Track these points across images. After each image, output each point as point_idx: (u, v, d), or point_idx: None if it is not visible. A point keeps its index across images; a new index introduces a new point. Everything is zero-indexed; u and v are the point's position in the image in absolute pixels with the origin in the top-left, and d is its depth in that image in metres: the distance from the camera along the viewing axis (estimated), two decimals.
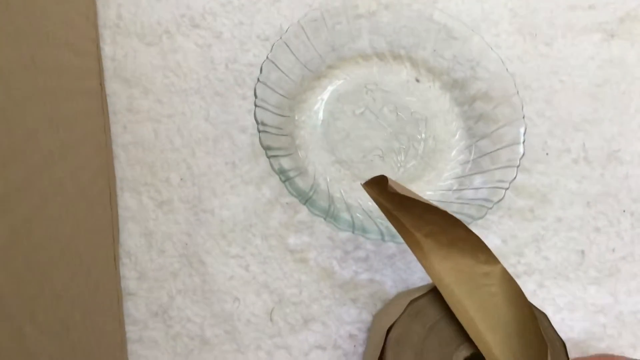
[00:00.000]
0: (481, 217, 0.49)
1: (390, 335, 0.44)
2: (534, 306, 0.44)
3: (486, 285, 0.40)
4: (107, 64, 0.54)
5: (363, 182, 0.42)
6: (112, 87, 0.53)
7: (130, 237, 0.49)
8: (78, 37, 0.42)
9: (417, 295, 0.44)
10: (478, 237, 0.39)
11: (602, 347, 0.48)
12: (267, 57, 0.52)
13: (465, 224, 0.40)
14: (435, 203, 0.41)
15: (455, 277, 0.40)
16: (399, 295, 0.48)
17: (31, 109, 0.27)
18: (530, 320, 0.38)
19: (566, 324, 0.50)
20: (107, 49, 0.54)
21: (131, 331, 0.46)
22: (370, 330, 0.48)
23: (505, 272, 0.39)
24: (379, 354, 0.41)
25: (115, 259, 0.45)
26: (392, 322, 0.43)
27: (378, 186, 0.40)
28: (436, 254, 0.41)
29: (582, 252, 0.53)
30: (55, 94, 0.32)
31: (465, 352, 0.42)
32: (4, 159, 0.23)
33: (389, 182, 0.39)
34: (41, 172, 0.28)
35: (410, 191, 0.40)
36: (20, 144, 0.26)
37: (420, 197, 0.40)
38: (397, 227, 0.41)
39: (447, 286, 0.40)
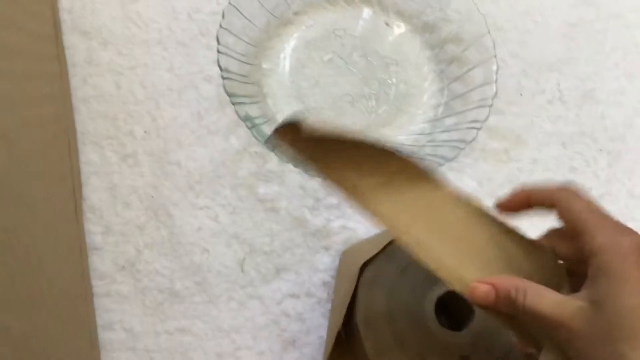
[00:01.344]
0: (454, 158, 0.48)
1: (364, 274, 0.43)
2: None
3: (444, 212, 0.36)
4: (64, 17, 0.52)
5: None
6: (70, 39, 0.51)
7: (94, 192, 0.48)
8: None
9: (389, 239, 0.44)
10: (418, 163, 0.34)
11: None
12: (229, 2, 0.50)
13: (403, 154, 0.34)
14: (361, 135, 0.32)
15: (408, 215, 0.34)
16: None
17: None
18: (508, 232, 0.34)
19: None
20: (63, 1, 0.52)
21: (98, 285, 0.45)
22: (341, 265, 0.48)
23: (460, 193, 0.34)
24: (353, 289, 0.41)
25: (76, 213, 0.44)
26: (365, 260, 0.42)
27: (292, 133, 0.31)
28: (377, 196, 0.34)
29: None
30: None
31: (437, 291, 0.41)
32: None
33: (304, 127, 0.30)
34: None
35: (331, 129, 0.31)
36: None
37: (345, 132, 0.31)
38: (325, 174, 0.33)
39: (401, 228, 0.34)
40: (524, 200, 0.33)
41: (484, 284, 0.31)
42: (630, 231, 0.28)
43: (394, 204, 0.34)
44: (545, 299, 0.28)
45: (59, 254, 0.37)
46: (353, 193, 0.33)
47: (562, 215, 0.30)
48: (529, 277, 0.30)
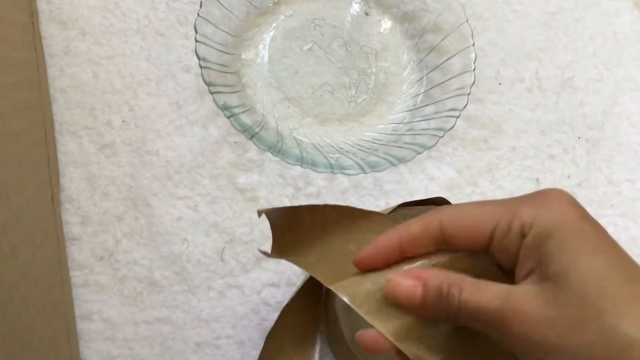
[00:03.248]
0: (432, 146, 0.48)
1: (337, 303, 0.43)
2: None
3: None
4: (42, 6, 0.51)
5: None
6: (48, 30, 0.51)
7: (72, 182, 0.47)
8: None
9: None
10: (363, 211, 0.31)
11: None
12: None
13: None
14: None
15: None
16: None
17: None
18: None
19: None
20: None
21: (76, 276, 0.45)
22: None
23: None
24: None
25: (53, 202, 0.44)
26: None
27: (276, 246, 0.32)
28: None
29: (537, 180, 0.52)
30: None
31: None
32: None
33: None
34: None
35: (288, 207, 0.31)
36: None
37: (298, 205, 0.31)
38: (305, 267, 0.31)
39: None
40: (393, 246, 0.26)
41: (407, 278, 0.25)
42: (546, 190, 0.25)
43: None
44: (487, 290, 0.23)
45: (35, 244, 0.37)
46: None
47: (458, 235, 0.25)
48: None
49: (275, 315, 0.45)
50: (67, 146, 0.48)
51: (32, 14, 0.49)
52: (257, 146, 0.47)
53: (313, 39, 0.55)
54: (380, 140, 0.51)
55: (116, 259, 0.46)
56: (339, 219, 0.31)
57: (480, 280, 0.24)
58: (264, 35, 0.54)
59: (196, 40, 0.48)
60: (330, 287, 0.27)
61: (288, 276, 0.48)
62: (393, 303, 0.25)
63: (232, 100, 0.49)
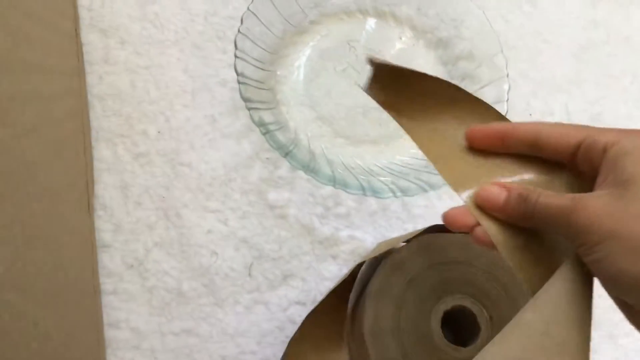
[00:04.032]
0: None
1: (371, 285, 0.43)
2: None
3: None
4: (83, 14, 0.52)
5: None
6: (88, 37, 0.52)
7: (106, 189, 0.48)
8: None
9: (397, 245, 0.44)
10: (486, 104, 0.34)
11: None
12: (248, 9, 0.51)
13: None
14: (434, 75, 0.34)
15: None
16: (380, 246, 0.48)
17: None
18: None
19: None
20: None
21: (106, 283, 0.45)
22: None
23: None
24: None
25: (89, 209, 0.44)
26: (370, 275, 0.43)
27: (377, 85, 0.35)
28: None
29: None
30: (29, 32, 0.31)
31: (444, 306, 0.41)
32: None
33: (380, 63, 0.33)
34: (12, 110, 0.26)
35: (402, 67, 0.34)
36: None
37: (414, 69, 0.34)
38: (402, 121, 0.35)
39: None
40: (499, 135, 0.31)
41: (494, 185, 0.30)
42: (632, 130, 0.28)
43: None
44: (561, 196, 0.27)
45: (73, 250, 0.37)
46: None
47: (552, 139, 0.29)
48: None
49: None
50: (102, 153, 0.49)
51: (75, 20, 0.49)
52: (290, 164, 0.47)
53: (347, 60, 0.55)
54: (411, 165, 0.52)
55: (146, 268, 0.46)
56: (451, 100, 0.34)
57: (558, 195, 0.27)
58: (299, 54, 0.55)
59: (236, 56, 0.49)
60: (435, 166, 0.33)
61: (314, 295, 0.48)
62: (482, 206, 0.30)
63: (267, 116, 0.50)
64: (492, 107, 0.34)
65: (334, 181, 0.47)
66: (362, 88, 0.35)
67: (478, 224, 0.30)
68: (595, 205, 0.25)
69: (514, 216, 0.29)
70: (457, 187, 0.32)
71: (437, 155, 0.33)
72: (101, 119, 0.49)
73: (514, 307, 0.43)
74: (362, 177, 0.50)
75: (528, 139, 0.30)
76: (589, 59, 0.58)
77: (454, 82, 0.55)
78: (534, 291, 0.27)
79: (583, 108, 0.56)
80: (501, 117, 0.33)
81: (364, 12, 0.57)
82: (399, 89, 0.35)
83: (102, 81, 0.51)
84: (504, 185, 0.30)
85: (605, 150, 0.27)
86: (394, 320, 0.42)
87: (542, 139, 0.30)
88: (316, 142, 0.52)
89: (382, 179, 0.50)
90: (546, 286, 0.26)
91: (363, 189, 0.47)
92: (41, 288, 0.28)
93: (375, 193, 0.47)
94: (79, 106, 0.44)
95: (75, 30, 0.48)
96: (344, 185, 0.47)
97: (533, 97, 0.56)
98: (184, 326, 0.45)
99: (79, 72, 0.47)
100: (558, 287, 0.26)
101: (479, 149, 0.32)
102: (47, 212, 0.31)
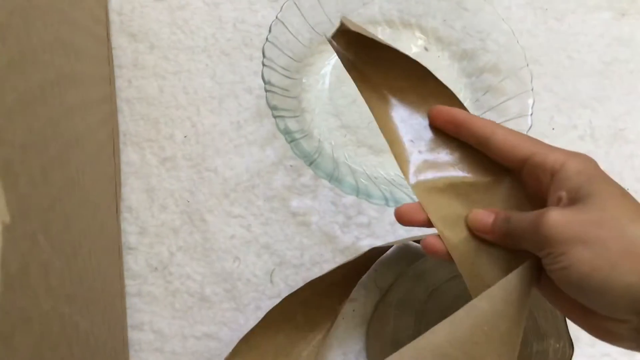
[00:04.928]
0: None
1: (392, 296, 0.43)
2: None
3: None
4: (114, 17, 0.53)
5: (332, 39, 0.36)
6: (118, 41, 0.52)
7: (132, 192, 0.48)
8: None
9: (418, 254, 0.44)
10: (451, 91, 0.36)
11: None
12: (276, 17, 0.51)
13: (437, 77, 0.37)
14: (405, 52, 0.36)
15: None
16: (399, 251, 0.48)
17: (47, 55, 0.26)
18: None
19: None
20: (113, 2, 0.53)
21: (130, 285, 0.46)
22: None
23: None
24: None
25: (117, 210, 0.45)
26: (391, 282, 0.43)
27: (344, 39, 0.37)
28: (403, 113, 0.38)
29: None
30: (65, 38, 0.32)
31: None
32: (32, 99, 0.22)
33: (349, 25, 0.35)
34: (52, 104, 0.27)
35: (377, 37, 0.36)
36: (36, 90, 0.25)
37: (389, 43, 0.36)
38: (360, 84, 0.38)
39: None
40: (458, 121, 0.34)
41: (483, 210, 0.33)
42: (578, 152, 0.31)
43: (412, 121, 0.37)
44: (530, 213, 0.29)
45: (104, 252, 0.38)
46: (379, 105, 0.38)
47: (502, 147, 0.32)
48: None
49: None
50: (129, 157, 0.49)
51: (107, 25, 0.50)
52: (315, 173, 0.48)
53: None
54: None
55: (170, 271, 0.47)
56: (418, 78, 0.37)
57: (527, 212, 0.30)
58: (325, 62, 0.55)
59: (263, 64, 0.49)
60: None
61: None
62: (473, 227, 0.33)
63: (292, 124, 0.50)
64: (455, 96, 0.36)
65: (357, 191, 0.47)
66: (326, 37, 0.36)
67: (428, 221, 0.34)
68: (558, 218, 0.27)
69: (498, 236, 0.31)
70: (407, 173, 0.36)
71: (392, 136, 0.37)
72: (129, 123, 0.50)
73: (531, 319, 0.43)
74: (384, 187, 0.50)
75: (480, 136, 0.33)
76: (612, 75, 0.58)
77: (477, 94, 0.55)
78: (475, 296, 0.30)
79: (606, 124, 0.56)
80: (463, 107, 0.36)
81: (390, 23, 0.57)
82: (367, 54, 0.37)
83: (130, 85, 0.51)
84: (491, 210, 0.33)
85: (553, 171, 0.29)
86: (415, 330, 0.43)
87: (493, 142, 0.32)
88: (340, 151, 0.52)
89: (404, 189, 0.50)
90: (502, 282, 0.29)
91: (386, 199, 0.47)
92: (78, 291, 0.28)
93: (398, 204, 0.47)
94: (110, 111, 0.45)
95: (107, 35, 0.49)
96: (367, 196, 0.47)
97: (557, 112, 0.56)
98: (205, 330, 0.46)
99: (111, 77, 0.48)
100: (513, 285, 0.29)
101: (436, 127, 0.35)
102: (83, 215, 0.32)
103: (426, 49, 0.57)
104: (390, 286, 0.47)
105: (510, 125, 0.52)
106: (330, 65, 0.55)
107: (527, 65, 0.53)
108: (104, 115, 0.42)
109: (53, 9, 0.29)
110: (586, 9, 0.60)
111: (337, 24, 0.35)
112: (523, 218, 0.29)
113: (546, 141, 0.54)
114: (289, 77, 0.53)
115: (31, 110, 0.24)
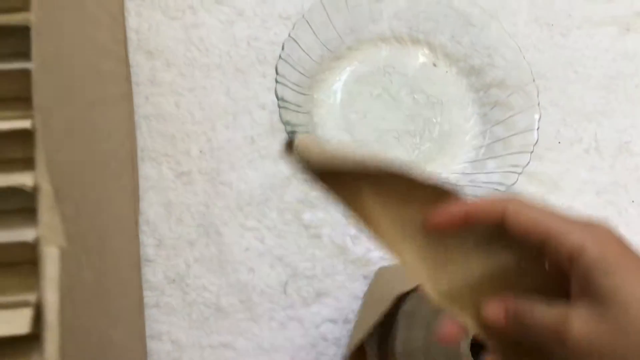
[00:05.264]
0: None
1: (404, 305, 0.45)
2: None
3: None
4: (131, 36, 0.55)
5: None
6: (136, 59, 0.54)
7: (150, 206, 0.50)
8: (108, 5, 0.43)
9: None
10: (434, 180, 0.30)
11: None
12: (289, 35, 0.53)
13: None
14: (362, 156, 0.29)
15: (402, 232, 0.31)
16: None
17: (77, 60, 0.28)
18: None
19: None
20: (131, 21, 0.55)
21: (148, 296, 0.48)
22: (375, 282, 0.49)
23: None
24: (384, 312, 0.42)
25: (136, 223, 0.46)
26: (404, 291, 0.44)
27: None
28: (377, 210, 0.31)
29: None
30: (89, 54, 0.33)
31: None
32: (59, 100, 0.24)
33: (298, 147, 0.29)
34: (82, 119, 0.29)
35: (326, 154, 0.29)
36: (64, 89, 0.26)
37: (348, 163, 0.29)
38: (332, 193, 0.31)
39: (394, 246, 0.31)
40: (462, 215, 0.30)
41: (491, 303, 0.29)
42: (595, 223, 0.28)
43: (390, 220, 0.31)
44: (549, 312, 0.27)
45: (125, 265, 0.39)
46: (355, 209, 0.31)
47: (515, 228, 0.28)
48: (526, 289, 0.29)
49: (332, 351, 0.48)
50: (147, 172, 0.51)
51: (125, 44, 0.52)
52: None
53: (382, 85, 0.57)
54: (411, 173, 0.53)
55: (186, 283, 0.49)
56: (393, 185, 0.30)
57: (543, 303, 0.28)
58: (336, 78, 0.57)
59: (276, 81, 0.51)
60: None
61: (346, 314, 0.50)
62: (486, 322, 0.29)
63: None
64: (439, 186, 0.31)
65: None
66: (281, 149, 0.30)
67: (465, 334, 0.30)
68: (583, 330, 0.26)
69: (514, 333, 0.29)
70: (421, 279, 0.30)
71: (390, 239, 0.31)
72: (147, 139, 0.52)
73: None
74: None
75: (491, 222, 0.29)
76: (617, 89, 0.59)
77: (485, 109, 0.57)
78: None
79: (611, 137, 0.58)
80: (453, 193, 0.31)
81: (399, 39, 0.59)
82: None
83: (147, 102, 0.53)
84: (500, 300, 0.29)
85: (571, 258, 0.27)
86: (424, 341, 0.44)
87: (508, 225, 0.29)
88: None
89: None
90: None
91: None
92: (109, 305, 0.30)
93: None
94: (130, 128, 0.46)
95: (126, 53, 0.51)
96: None
97: (563, 125, 0.58)
98: (221, 340, 0.47)
99: (129, 94, 0.49)
100: None
101: (440, 230, 0.30)
102: (110, 232, 0.33)
103: (435, 65, 0.59)
104: (404, 296, 0.48)
105: (517, 139, 0.53)
106: (341, 82, 0.57)
107: (534, 80, 0.54)
108: (125, 133, 0.44)
109: (81, 33, 0.31)
110: (591, 24, 0.61)
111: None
112: (543, 323, 0.27)
113: (552, 155, 0.56)
114: (301, 93, 0.54)
115: (74, 135, 0.25)
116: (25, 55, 0.22)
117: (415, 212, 0.31)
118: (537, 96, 0.54)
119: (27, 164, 0.21)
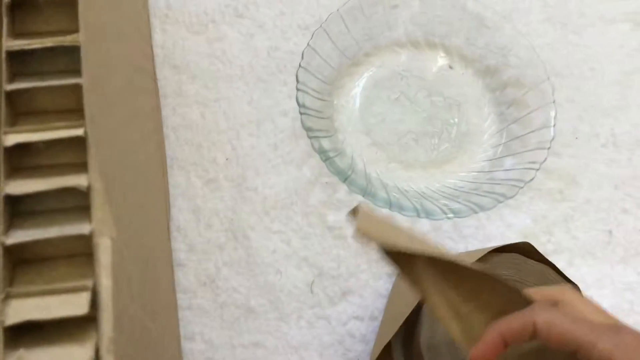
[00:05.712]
0: (512, 196, 0.51)
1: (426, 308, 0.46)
2: (566, 277, 0.46)
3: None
4: (157, 52, 0.57)
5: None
6: (163, 73, 0.56)
7: (180, 213, 0.52)
8: (137, 24, 0.45)
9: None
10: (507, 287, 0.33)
11: (630, 322, 0.50)
12: (308, 44, 0.55)
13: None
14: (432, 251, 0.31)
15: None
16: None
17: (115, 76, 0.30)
18: None
19: (595, 300, 0.52)
20: (157, 37, 0.58)
21: (181, 299, 0.50)
22: (397, 282, 0.51)
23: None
24: (410, 310, 0.43)
25: (168, 231, 0.49)
26: None
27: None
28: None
29: (610, 232, 0.55)
30: (124, 71, 0.36)
31: None
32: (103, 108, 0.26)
33: (358, 223, 0.31)
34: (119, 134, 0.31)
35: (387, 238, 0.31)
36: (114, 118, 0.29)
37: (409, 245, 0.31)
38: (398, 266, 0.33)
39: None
40: (500, 342, 0.31)
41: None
42: (622, 327, 0.29)
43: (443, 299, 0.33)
44: None
45: (161, 267, 0.41)
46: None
47: (549, 340, 0.29)
48: None
49: (359, 347, 0.49)
50: (176, 179, 0.53)
51: (152, 60, 0.55)
52: (349, 189, 0.51)
53: (400, 89, 0.59)
54: (462, 188, 0.55)
55: (217, 285, 0.51)
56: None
57: None
58: (355, 84, 0.59)
59: (297, 89, 0.53)
60: None
61: (371, 311, 0.51)
62: None
63: (326, 144, 0.53)
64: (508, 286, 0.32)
65: (389, 204, 0.50)
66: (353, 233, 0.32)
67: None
68: None
69: None
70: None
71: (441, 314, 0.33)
72: (175, 148, 0.54)
73: None
74: (415, 199, 0.53)
75: (527, 336, 0.30)
76: (633, 84, 0.60)
77: (501, 107, 0.58)
78: None
79: (628, 131, 0.58)
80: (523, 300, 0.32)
81: (415, 44, 0.60)
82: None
83: (175, 113, 0.55)
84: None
85: None
86: (449, 334, 0.45)
87: (541, 337, 0.30)
88: (371, 167, 0.56)
89: (434, 201, 0.53)
90: None
91: (417, 211, 0.50)
92: (148, 300, 0.32)
93: (429, 215, 0.50)
94: (160, 140, 0.49)
95: (153, 69, 0.53)
96: (400, 208, 0.50)
97: (579, 121, 0.59)
98: (252, 339, 0.49)
99: (158, 107, 0.52)
100: None
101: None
102: (147, 234, 0.36)
103: (451, 67, 0.60)
104: None
105: (534, 136, 0.54)
106: (359, 87, 0.59)
107: (548, 78, 0.55)
108: (155, 143, 0.46)
109: (118, 51, 0.33)
110: (604, 21, 0.62)
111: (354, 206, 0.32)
112: None
113: (569, 150, 0.57)
114: (322, 99, 0.56)
115: (116, 143, 0.27)
116: (76, 71, 0.25)
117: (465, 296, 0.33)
118: (552, 94, 0.55)
119: (79, 167, 0.24)
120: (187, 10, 0.59)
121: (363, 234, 0.31)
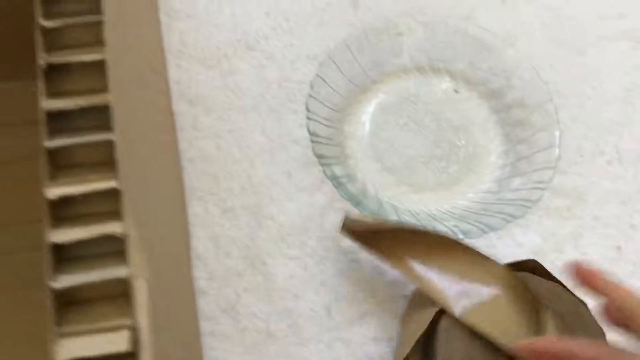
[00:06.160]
0: (521, 216, 0.52)
1: (441, 323, 0.47)
2: (575, 296, 0.47)
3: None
4: (173, 87, 0.59)
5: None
6: (178, 107, 0.59)
7: (200, 242, 0.54)
8: (156, 66, 0.48)
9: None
10: (448, 235, 0.43)
11: None
12: (316, 74, 0.57)
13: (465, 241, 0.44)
14: (395, 223, 0.45)
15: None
16: None
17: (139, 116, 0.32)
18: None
19: None
20: (172, 73, 0.60)
21: (204, 326, 0.51)
22: (411, 304, 0.52)
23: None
24: (424, 328, 0.45)
25: (188, 260, 0.51)
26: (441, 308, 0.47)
27: (351, 233, 0.49)
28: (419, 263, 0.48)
29: (619, 247, 0.56)
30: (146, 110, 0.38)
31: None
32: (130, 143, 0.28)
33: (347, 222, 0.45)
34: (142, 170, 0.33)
35: (370, 222, 0.47)
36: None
37: (381, 223, 0.45)
38: (382, 257, 0.48)
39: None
40: (551, 357, 0.35)
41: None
42: None
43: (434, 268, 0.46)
44: None
45: (184, 296, 0.43)
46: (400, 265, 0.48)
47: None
48: None
49: None
50: (195, 210, 0.55)
51: (169, 95, 0.57)
52: (361, 212, 0.52)
53: (408, 114, 0.61)
54: (471, 208, 0.56)
55: (238, 311, 0.52)
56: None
57: None
58: (364, 110, 0.61)
59: (308, 118, 0.55)
60: None
61: (389, 332, 0.52)
62: None
63: (337, 170, 0.55)
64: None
65: None
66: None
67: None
68: None
69: None
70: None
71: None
72: (193, 180, 0.56)
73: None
74: (426, 222, 0.54)
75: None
76: (635, 101, 0.62)
77: (507, 128, 0.59)
78: None
79: (632, 147, 0.60)
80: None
81: (421, 69, 0.62)
82: (378, 237, 0.50)
83: (191, 146, 0.57)
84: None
85: None
86: (466, 352, 0.46)
87: None
88: (382, 191, 0.57)
89: (445, 223, 0.54)
90: None
91: None
92: (175, 331, 0.34)
93: None
94: (178, 172, 0.51)
95: (169, 104, 0.55)
96: None
97: (584, 140, 0.60)
98: None
99: (175, 141, 0.54)
100: None
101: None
102: (170, 265, 0.37)
103: (456, 91, 0.62)
104: (442, 312, 0.51)
105: (540, 156, 0.56)
106: (368, 113, 0.61)
107: (551, 99, 0.57)
108: (174, 176, 0.48)
109: (141, 100, 0.35)
110: (605, 41, 0.64)
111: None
112: None
113: (575, 168, 0.59)
114: (332, 127, 0.58)
115: (146, 188, 0.29)
116: (106, 127, 0.27)
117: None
118: (556, 113, 0.56)
119: (114, 215, 0.26)
120: (200, 46, 0.61)
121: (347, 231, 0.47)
